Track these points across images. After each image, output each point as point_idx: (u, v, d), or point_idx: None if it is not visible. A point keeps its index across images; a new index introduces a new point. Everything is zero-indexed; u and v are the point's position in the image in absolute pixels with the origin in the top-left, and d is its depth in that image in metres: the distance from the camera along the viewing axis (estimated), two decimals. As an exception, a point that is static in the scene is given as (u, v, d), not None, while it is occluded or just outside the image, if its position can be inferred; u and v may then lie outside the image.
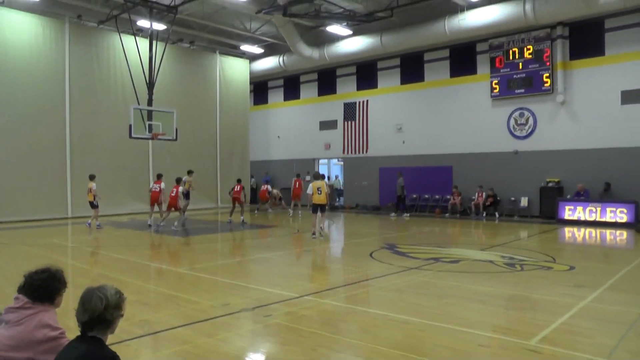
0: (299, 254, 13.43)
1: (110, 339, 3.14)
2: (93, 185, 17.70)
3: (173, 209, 18.02)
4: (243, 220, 20.17)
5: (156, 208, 18.63)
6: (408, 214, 22.96)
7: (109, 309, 3.05)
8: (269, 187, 24.42)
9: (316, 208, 15.28)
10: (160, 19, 21.85)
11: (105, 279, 8.75)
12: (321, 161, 30.74)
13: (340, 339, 5.98)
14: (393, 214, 23.34)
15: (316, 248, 14.60)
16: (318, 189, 15.32)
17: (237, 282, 9.21)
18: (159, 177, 19.05)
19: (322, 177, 16.42)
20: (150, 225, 18.34)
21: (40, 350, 3.42)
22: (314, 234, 15.24)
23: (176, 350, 5.58)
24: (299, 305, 7.42)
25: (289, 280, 9.71)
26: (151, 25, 20.55)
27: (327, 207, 16.09)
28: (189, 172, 19.84)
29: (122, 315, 3.16)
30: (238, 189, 20.63)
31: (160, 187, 18.36)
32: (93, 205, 17.78)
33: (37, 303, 3.52)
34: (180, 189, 18.26)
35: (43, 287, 3.55)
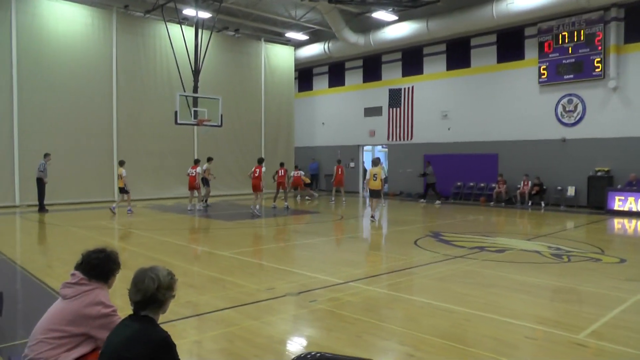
0: (343, 240, 13.46)
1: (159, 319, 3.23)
2: (123, 171, 17.75)
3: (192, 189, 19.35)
4: (287, 206, 20.39)
5: (195, 193, 19.58)
6: (439, 201, 22.87)
7: (161, 289, 3.13)
8: (301, 172, 24.19)
9: (372, 193, 16.13)
10: (205, 8, 22.09)
11: (152, 261, 8.94)
12: (365, 148, 30.65)
13: (385, 326, 5.99)
14: (422, 200, 23.43)
15: (360, 235, 14.64)
16: (374, 175, 16.00)
17: (282, 266, 9.31)
18: (195, 162, 20.18)
19: (380, 163, 17.02)
20: (190, 210, 19.02)
21: (94, 326, 3.59)
22: (372, 217, 15.96)
23: (222, 332, 5.69)
24: (343, 292, 7.45)
25: (333, 266, 9.75)
26: (197, 13, 20.74)
27: (382, 193, 16.81)
28: (209, 160, 20.28)
29: (173, 296, 3.25)
30: (282, 173, 20.76)
31: (196, 172, 19.39)
32: (123, 191, 17.94)
33: (93, 280, 3.70)
34: (199, 169, 19.39)
35: (100, 265, 3.73)
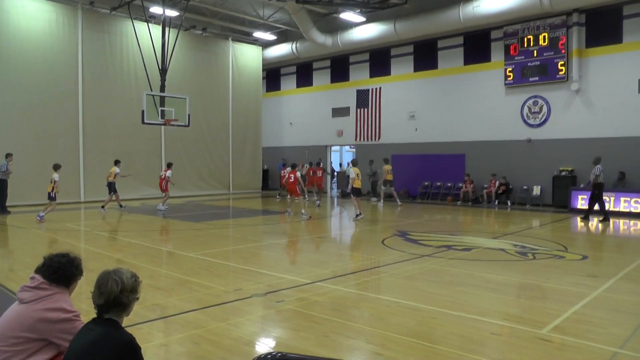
0: (311, 240, 13.45)
1: (123, 322, 3.18)
2: (55, 175, 16.54)
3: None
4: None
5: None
6: (375, 199, 23.64)
7: (125, 292, 3.09)
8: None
9: (357, 192, 17.06)
10: (172, 6, 21.86)
11: (118, 263, 8.83)
12: (333, 148, 30.71)
13: (353, 326, 6.00)
14: (374, 199, 23.81)
15: (329, 235, 14.67)
16: (358, 174, 16.97)
17: (250, 267, 9.25)
18: (168, 165, 20.23)
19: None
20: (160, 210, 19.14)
21: (55, 331, 3.45)
22: (359, 214, 16.65)
23: (188, 335, 5.63)
24: (311, 292, 7.45)
25: (301, 267, 9.75)
26: (164, 11, 20.54)
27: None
28: (169, 165, 20.10)
29: (137, 299, 3.20)
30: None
31: (165, 174, 19.59)
32: (50, 197, 16.48)
33: (53, 285, 3.56)
34: (168, 173, 19.55)
35: (61, 269, 3.61)
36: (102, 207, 18.58)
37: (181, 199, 23.45)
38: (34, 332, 3.42)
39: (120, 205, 19.38)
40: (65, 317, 3.49)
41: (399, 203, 21.94)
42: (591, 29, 19.90)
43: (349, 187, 17.37)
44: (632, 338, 5.52)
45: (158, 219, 17.27)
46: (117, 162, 19.27)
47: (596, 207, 16.50)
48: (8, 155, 17.97)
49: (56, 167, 16.70)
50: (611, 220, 16.39)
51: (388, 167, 21.97)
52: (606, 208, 16.59)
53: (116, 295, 3.05)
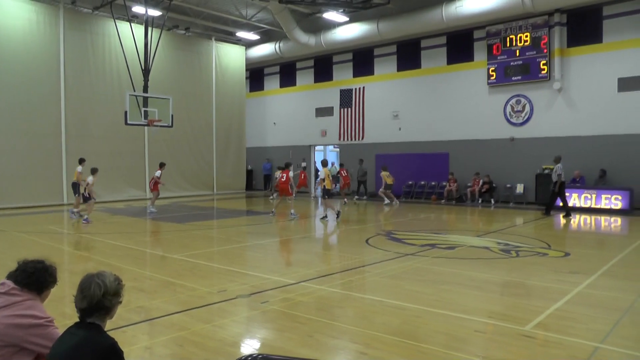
0: (296, 240, 13.44)
1: (106, 325, 3.15)
2: (79, 168, 16.82)
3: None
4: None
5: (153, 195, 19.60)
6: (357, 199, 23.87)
7: (108, 295, 3.06)
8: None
9: (329, 192, 17.09)
10: (155, 5, 21.75)
11: (102, 266, 8.76)
12: (317, 148, 30.70)
13: (337, 325, 6.01)
14: (357, 197, 24.09)
15: (313, 234, 14.67)
16: (328, 175, 17.00)
17: (234, 268, 9.21)
18: (160, 165, 19.73)
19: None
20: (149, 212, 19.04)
21: (26, 336, 3.37)
22: (325, 216, 16.87)
23: (173, 337, 5.60)
24: (295, 292, 7.45)
25: (285, 267, 9.75)
26: (146, 11, 20.43)
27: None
28: (160, 165, 19.65)
29: (120, 302, 3.17)
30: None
31: (155, 175, 19.32)
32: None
33: (25, 291, 3.48)
34: (157, 173, 19.19)
35: (35, 275, 3.52)
36: (73, 212, 16.93)
37: (166, 200, 23.30)
38: (5, 338, 3.33)
39: (72, 212, 16.90)
40: (37, 322, 3.40)
41: (386, 202, 22.12)
42: (572, 29, 20.14)
43: (320, 187, 17.35)
44: (612, 333, 5.59)
45: (142, 221, 17.15)
46: (81, 161, 17.34)
47: (561, 203, 17.09)
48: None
49: (93, 171, 16.33)
50: (593, 217, 16.56)
51: (386, 173, 22.19)
52: (568, 204, 17.37)
53: (99, 299, 3.02)
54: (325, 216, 16.74)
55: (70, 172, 21.63)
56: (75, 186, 17.06)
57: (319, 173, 17.27)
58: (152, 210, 18.94)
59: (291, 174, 17.78)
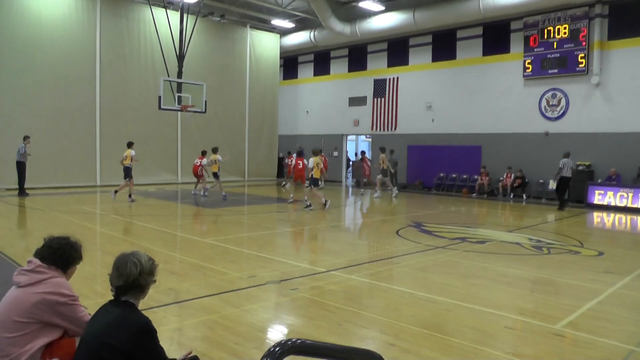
0: (326, 229, 13.46)
1: (139, 305, 3.20)
2: (132, 152, 17.29)
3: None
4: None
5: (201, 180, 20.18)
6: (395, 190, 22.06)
7: (143, 274, 3.12)
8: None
9: (316, 182, 16.74)
10: (191, -8, 21.86)
11: (134, 247, 8.87)
12: (349, 137, 30.64)
13: (366, 315, 6.01)
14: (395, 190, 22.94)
15: (342, 224, 14.67)
16: (318, 164, 16.53)
17: (264, 254, 9.28)
18: (202, 153, 20.16)
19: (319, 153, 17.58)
20: (194, 194, 19.93)
21: (53, 314, 3.44)
22: (309, 206, 16.24)
23: (203, 320, 5.68)
24: (325, 280, 7.47)
25: (315, 255, 9.77)
26: (182, -3, 20.57)
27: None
28: (215, 150, 19.73)
29: (154, 281, 3.23)
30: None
31: (200, 162, 19.64)
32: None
33: (52, 268, 3.54)
34: (204, 160, 19.52)
35: (60, 250, 3.58)
36: (115, 191, 17.39)
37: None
38: (32, 316, 3.39)
39: (130, 196, 17.32)
40: (63, 300, 3.46)
41: (378, 194, 21.20)
42: (614, 21, 19.55)
43: (309, 176, 16.81)
44: (647, 335, 5.47)
45: (173, 204, 17.39)
46: (130, 145, 17.67)
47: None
48: (26, 138, 18.12)
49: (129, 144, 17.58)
50: (628, 217, 16.18)
51: (383, 156, 20.90)
52: (564, 198, 18.15)
53: (135, 278, 3.09)
54: (309, 205, 16.20)
55: (105, 155, 22.11)
56: (129, 170, 17.18)
57: (308, 161, 16.82)
58: (204, 194, 19.51)
59: (307, 161, 17.58)
